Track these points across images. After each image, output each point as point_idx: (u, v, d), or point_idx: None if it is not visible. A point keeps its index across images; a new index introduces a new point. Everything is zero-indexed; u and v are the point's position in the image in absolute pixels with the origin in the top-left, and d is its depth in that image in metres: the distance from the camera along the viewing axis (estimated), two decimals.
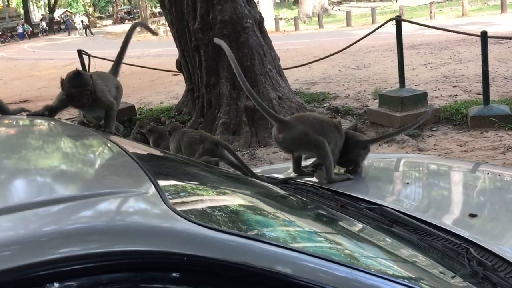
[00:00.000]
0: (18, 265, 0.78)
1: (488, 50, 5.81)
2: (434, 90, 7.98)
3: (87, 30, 43.21)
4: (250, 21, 6.70)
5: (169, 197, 1.08)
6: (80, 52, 8.29)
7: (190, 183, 1.45)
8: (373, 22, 21.78)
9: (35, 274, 0.79)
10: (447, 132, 5.89)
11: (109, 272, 0.84)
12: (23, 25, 47.56)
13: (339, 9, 34.34)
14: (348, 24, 23.29)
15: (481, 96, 6.31)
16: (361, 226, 1.61)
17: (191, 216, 1.01)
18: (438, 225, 1.75)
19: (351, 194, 2.11)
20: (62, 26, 54.69)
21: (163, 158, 1.77)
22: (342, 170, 2.53)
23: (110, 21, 62.00)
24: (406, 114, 6.12)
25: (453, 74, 9.20)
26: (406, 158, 3.00)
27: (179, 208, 1.02)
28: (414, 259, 1.40)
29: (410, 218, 1.77)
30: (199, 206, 1.20)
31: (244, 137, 6.32)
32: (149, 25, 37.69)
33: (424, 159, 3.23)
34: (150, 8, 53.21)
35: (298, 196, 1.84)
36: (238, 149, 5.94)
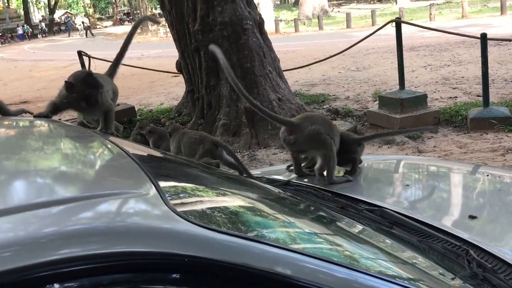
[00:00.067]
0: (18, 266, 0.78)
1: (488, 52, 5.82)
2: (434, 92, 7.98)
3: (88, 31, 43.24)
4: (250, 23, 6.71)
5: (170, 198, 1.08)
6: (80, 53, 8.30)
7: (191, 184, 1.45)
8: (373, 24, 21.81)
9: (35, 275, 0.79)
10: (446, 134, 5.89)
11: (109, 273, 0.84)
12: (23, 26, 47.60)
13: (339, 11, 34.37)
14: (348, 26, 23.32)
15: (480, 98, 6.32)
16: (361, 227, 1.61)
17: (191, 217, 1.02)
18: (438, 226, 1.76)
19: (351, 195, 2.12)
20: (62, 27, 54.74)
21: (163, 159, 1.77)
22: (342, 172, 2.53)
23: (110, 22, 62.06)
24: (406, 116, 6.12)
25: (453, 76, 9.21)
26: (405, 160, 3.01)
27: (179, 209, 1.02)
28: (414, 261, 1.40)
29: (410, 220, 1.78)
30: (199, 207, 1.20)
31: (244, 138, 6.32)
32: (149, 26, 37.82)
33: (423, 161, 3.24)
34: (150, 9, 53.24)
35: (298, 198, 1.84)
36: (238, 151, 5.94)
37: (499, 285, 1.34)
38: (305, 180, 2.50)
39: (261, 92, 6.56)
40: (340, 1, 46.96)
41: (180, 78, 8.59)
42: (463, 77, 8.99)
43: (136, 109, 8.39)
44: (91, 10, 62.25)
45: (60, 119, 2.19)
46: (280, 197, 1.74)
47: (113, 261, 0.84)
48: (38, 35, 47.91)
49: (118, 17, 62.02)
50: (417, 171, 2.58)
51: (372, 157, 3.39)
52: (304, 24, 26.53)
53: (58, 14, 61.07)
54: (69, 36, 45.38)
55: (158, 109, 8.78)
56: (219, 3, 6.58)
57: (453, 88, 8.22)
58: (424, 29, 7.83)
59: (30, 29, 48.10)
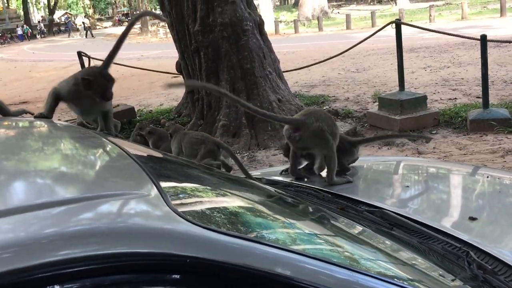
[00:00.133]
0: (19, 267, 0.78)
1: (488, 53, 5.82)
2: (434, 93, 7.99)
3: (88, 32, 43.24)
4: (250, 24, 6.72)
5: (171, 199, 1.08)
6: (80, 54, 8.30)
7: (192, 185, 1.45)
8: (372, 25, 21.81)
9: (36, 276, 0.79)
10: (446, 136, 5.89)
11: (110, 274, 0.84)
12: (22, 26, 47.60)
13: (338, 12, 34.38)
14: (348, 27, 23.33)
15: (480, 100, 6.32)
16: (361, 228, 1.62)
17: (193, 218, 1.02)
18: (438, 228, 1.76)
19: (351, 196, 2.12)
20: (62, 28, 54.74)
21: (164, 160, 1.77)
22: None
23: (110, 23, 62.09)
24: (406, 117, 6.13)
25: (452, 78, 9.22)
26: (405, 161, 3.01)
27: (181, 210, 1.02)
28: (414, 262, 1.41)
29: (410, 221, 1.78)
30: (201, 208, 1.20)
31: (243, 139, 6.33)
32: (149, 27, 37.87)
33: (423, 162, 3.24)
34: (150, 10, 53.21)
35: (298, 199, 1.85)
36: (237, 152, 5.94)
37: (499, 287, 1.34)
38: (305, 180, 2.50)
39: (261, 93, 6.56)
40: (340, 2, 46.99)
41: (180, 79, 8.59)
42: (462, 79, 9.00)
43: (136, 110, 8.39)
44: (90, 11, 62.28)
45: (59, 119, 2.19)
46: (281, 198, 1.74)
47: (114, 262, 0.84)
48: (37, 36, 47.90)
49: (117, 18, 62.03)
50: (417, 172, 2.58)
51: (372, 158, 3.40)
52: (304, 25, 26.55)
53: (58, 15, 61.07)
54: (68, 36, 45.37)
55: (158, 110, 8.78)
56: (219, 4, 6.58)
57: (453, 90, 8.22)
58: (424, 31, 7.83)
59: (30, 30, 48.09)
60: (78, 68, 8.27)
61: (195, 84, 2.21)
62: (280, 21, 28.40)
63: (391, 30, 6.76)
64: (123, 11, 66.03)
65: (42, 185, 1.16)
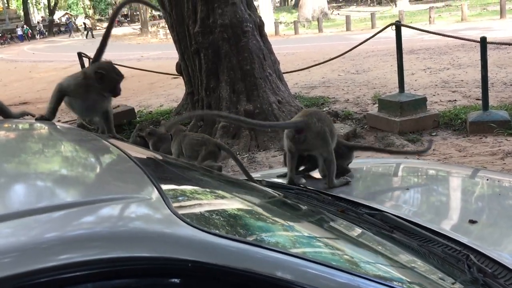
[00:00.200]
0: (20, 272, 0.78)
1: (487, 55, 5.83)
2: (433, 95, 7.99)
3: (89, 33, 43.27)
4: (250, 25, 6.72)
5: (173, 202, 1.08)
6: (80, 55, 8.31)
7: (194, 189, 1.45)
8: (372, 27, 21.83)
9: (37, 281, 0.79)
10: (446, 137, 5.89)
11: (112, 278, 0.84)
12: (22, 27, 47.58)
13: (338, 13, 34.40)
14: (348, 29, 23.34)
15: (480, 102, 6.33)
16: (362, 231, 1.62)
17: (194, 221, 1.01)
18: (438, 231, 1.76)
19: (352, 199, 2.12)
20: (62, 28, 54.72)
21: (166, 163, 1.77)
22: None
23: None
24: (405, 119, 6.13)
25: (452, 79, 9.22)
26: (405, 164, 3.01)
27: (182, 214, 1.02)
28: (414, 265, 1.41)
29: (411, 224, 1.78)
30: (202, 211, 1.20)
31: (243, 140, 6.33)
32: (149, 28, 37.86)
33: (423, 164, 3.24)
34: (150, 11, 53.25)
35: (299, 201, 1.85)
36: (237, 153, 5.94)
37: None
38: (304, 181, 2.50)
39: (261, 95, 6.56)
40: (340, 4, 47.02)
41: (180, 80, 8.60)
42: (462, 81, 9.00)
43: (136, 111, 8.39)
44: (91, 12, 62.29)
45: (59, 120, 2.19)
46: (282, 201, 1.74)
47: (115, 266, 0.84)
48: (36, 36, 47.87)
49: (116, 19, 61.91)
50: (417, 174, 2.58)
51: (372, 161, 3.40)
52: (304, 27, 26.56)
53: (58, 15, 61.07)
54: (69, 36, 45.37)
55: (158, 111, 8.78)
56: (220, 5, 6.59)
57: (453, 92, 8.23)
58: (423, 32, 7.83)
59: (30, 30, 48.09)
60: (78, 68, 8.27)
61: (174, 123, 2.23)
62: (280, 22, 28.42)
63: (391, 32, 6.77)
64: (122, 12, 66.00)
65: (43, 189, 1.16)
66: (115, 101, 2.40)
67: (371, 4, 41.66)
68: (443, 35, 7.15)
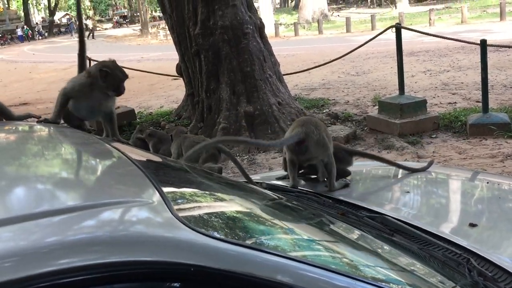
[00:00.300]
0: (20, 277, 0.78)
1: (487, 58, 5.83)
2: (433, 97, 8.00)
3: (91, 33, 43.32)
4: (251, 27, 6.73)
5: (175, 206, 1.08)
6: None
7: (196, 192, 1.45)
8: (372, 29, 21.86)
9: (36, 286, 0.79)
10: (446, 140, 5.90)
11: (113, 282, 0.84)
12: (22, 27, 47.59)
13: (338, 15, 34.44)
14: (348, 30, 23.36)
15: (480, 104, 6.33)
16: (362, 234, 1.62)
17: (196, 225, 1.02)
18: (439, 234, 1.76)
19: (352, 202, 2.12)
20: (62, 29, 54.78)
21: (168, 166, 1.77)
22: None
23: (110, 25, 62.21)
24: (405, 121, 6.13)
25: (452, 82, 9.23)
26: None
27: (184, 218, 1.02)
28: (414, 269, 1.41)
29: (411, 227, 1.78)
30: (204, 215, 1.20)
31: None
32: (149, 29, 37.87)
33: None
34: (150, 12, 53.32)
35: (299, 204, 1.85)
36: (237, 155, 5.94)
37: None
38: (303, 183, 2.51)
39: (261, 96, 6.57)
40: (340, 5, 47.08)
41: (180, 81, 8.60)
42: (462, 83, 9.01)
43: (136, 112, 8.39)
44: (91, 12, 62.34)
45: (62, 122, 2.18)
46: (282, 204, 1.74)
47: (117, 270, 0.84)
48: (35, 37, 47.86)
49: (115, 20, 62.14)
50: (417, 177, 2.58)
51: (371, 163, 3.40)
52: (304, 28, 26.58)
53: (58, 16, 61.13)
54: (72, 36, 45.39)
55: (158, 112, 8.78)
56: (220, 7, 6.59)
57: (453, 94, 8.23)
58: (423, 34, 7.84)
59: (30, 31, 48.10)
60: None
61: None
62: (280, 24, 28.44)
63: (391, 34, 6.78)
64: (122, 13, 66.14)
65: (45, 193, 1.16)
66: (116, 102, 2.41)
67: (371, 6, 41.71)
68: (443, 38, 7.15)
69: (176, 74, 7.99)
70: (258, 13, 9.03)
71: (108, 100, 2.19)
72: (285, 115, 6.56)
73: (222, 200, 1.45)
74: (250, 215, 1.36)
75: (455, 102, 7.59)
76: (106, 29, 58.16)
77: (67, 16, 61.34)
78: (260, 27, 7.08)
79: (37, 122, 2.06)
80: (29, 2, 54.68)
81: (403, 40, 6.53)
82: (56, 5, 55.75)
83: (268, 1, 26.56)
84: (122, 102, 9.23)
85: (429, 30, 15.74)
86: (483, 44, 5.70)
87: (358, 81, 10.29)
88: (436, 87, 8.87)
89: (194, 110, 7.20)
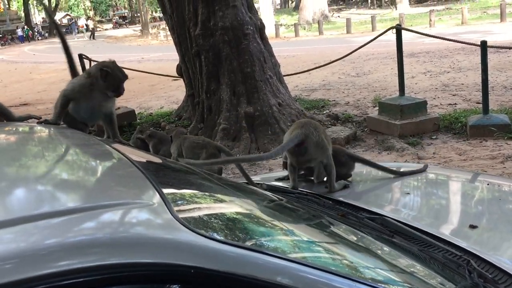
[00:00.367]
0: (20, 279, 0.78)
1: (488, 59, 5.83)
2: (434, 98, 8.00)
3: (93, 34, 43.41)
4: (251, 28, 6.73)
5: (175, 207, 1.08)
6: (81, 56, 8.32)
7: (196, 194, 1.45)
8: (373, 30, 21.86)
9: None
10: (446, 141, 5.90)
11: (113, 284, 0.84)
12: (23, 28, 47.61)
13: (339, 16, 34.46)
14: (348, 31, 23.38)
15: (480, 105, 6.33)
16: (362, 236, 1.62)
17: (197, 227, 1.02)
18: (439, 235, 1.76)
19: (352, 203, 2.12)
20: (63, 29, 54.78)
21: (168, 168, 1.77)
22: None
23: (110, 25, 62.27)
24: (406, 122, 6.13)
25: (452, 83, 9.23)
26: (405, 168, 3.01)
27: (185, 220, 1.02)
28: (414, 270, 1.41)
29: (411, 229, 1.78)
30: (205, 217, 1.20)
31: (243, 143, 6.33)
32: (149, 29, 37.91)
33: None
34: (150, 13, 53.35)
35: (300, 206, 1.85)
36: (237, 155, 5.94)
37: None
38: (303, 184, 2.51)
39: (261, 97, 6.57)
40: (340, 6, 47.11)
41: (181, 82, 8.60)
42: (462, 84, 9.01)
43: (136, 113, 8.40)
44: (91, 13, 62.39)
45: (63, 124, 2.18)
46: (282, 206, 1.74)
47: (117, 272, 0.84)
48: (34, 37, 47.86)
49: (114, 21, 62.22)
50: (417, 179, 2.58)
51: None
52: (304, 29, 26.60)
53: (59, 16, 61.17)
54: (75, 36, 45.44)
55: (158, 112, 8.79)
56: (221, 8, 6.60)
57: (453, 95, 8.24)
58: (424, 35, 7.84)
59: (31, 31, 48.12)
60: (79, 70, 8.27)
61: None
62: (281, 25, 28.45)
63: (391, 35, 6.78)
64: (121, 13, 66.20)
65: (45, 194, 1.16)
66: (116, 103, 2.41)
67: (372, 7, 41.75)
68: (444, 39, 7.14)
69: (177, 75, 7.99)
70: (259, 14, 9.04)
71: (108, 101, 2.19)
72: (285, 116, 6.56)
73: (222, 201, 1.45)
74: (250, 217, 1.36)
75: (456, 103, 7.60)
76: (106, 29, 58.20)
77: (68, 17, 61.40)
78: (261, 28, 7.08)
79: (38, 123, 2.06)
80: (29, 2, 54.69)
81: (403, 41, 6.53)
82: (56, 5, 55.79)
83: (269, 2, 26.57)
84: (122, 102, 9.24)
85: (430, 31, 15.75)
86: (484, 45, 5.70)
87: (359, 82, 10.29)
88: (437, 88, 8.87)
89: (194, 111, 7.20)
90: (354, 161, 2.61)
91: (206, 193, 1.51)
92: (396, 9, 32.34)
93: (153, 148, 4.75)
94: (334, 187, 2.36)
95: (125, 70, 2.25)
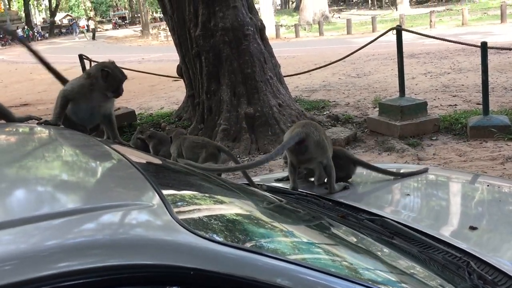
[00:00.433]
0: (20, 280, 0.78)
1: (488, 60, 5.83)
2: (434, 99, 8.00)
3: (94, 34, 43.45)
4: (251, 29, 6.73)
5: (175, 209, 1.08)
6: (81, 57, 8.33)
7: (196, 196, 1.45)
8: (373, 30, 21.87)
9: None
10: (446, 142, 5.90)
11: (112, 286, 0.84)
12: (23, 28, 47.60)
13: (339, 17, 34.45)
14: (349, 32, 23.38)
15: (480, 106, 6.33)
16: (362, 237, 1.62)
17: (196, 228, 1.02)
18: (439, 237, 1.76)
19: (352, 204, 2.12)
20: (63, 30, 54.92)
21: (168, 169, 1.77)
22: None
23: (110, 26, 62.29)
24: (406, 123, 6.13)
25: (453, 84, 9.23)
26: (405, 169, 3.01)
27: (185, 221, 1.02)
28: (414, 272, 1.41)
29: (411, 230, 1.78)
30: (205, 218, 1.20)
31: (244, 144, 6.33)
32: (150, 30, 37.94)
33: None
34: (151, 13, 53.35)
35: (300, 207, 1.85)
36: (238, 156, 5.93)
37: None
38: (303, 185, 2.51)
39: (261, 98, 6.57)
40: (341, 7, 47.12)
41: (181, 83, 8.61)
42: (463, 85, 9.01)
43: (136, 113, 8.40)
44: (92, 13, 62.41)
45: (61, 125, 2.19)
46: (282, 207, 1.74)
47: (117, 274, 0.84)
48: (34, 38, 47.85)
49: (113, 21, 62.26)
50: (417, 180, 2.58)
51: None
52: (305, 30, 26.60)
53: (59, 17, 61.22)
54: (76, 36, 45.46)
55: (159, 113, 8.79)
56: (221, 9, 6.60)
57: (453, 96, 8.24)
58: (424, 36, 7.85)
59: (31, 32, 48.12)
60: (79, 70, 8.29)
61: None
62: (281, 25, 28.45)
63: (391, 36, 6.78)
64: (120, 14, 66.24)
65: (44, 195, 1.16)
66: (115, 103, 2.42)
67: (372, 8, 41.75)
68: (444, 40, 7.15)
69: (177, 76, 7.99)
70: (259, 15, 9.04)
71: (107, 102, 2.20)
72: (285, 117, 6.56)
73: (222, 202, 1.45)
74: (250, 218, 1.36)
75: (456, 104, 7.60)
76: (107, 30, 58.21)
77: (68, 17, 61.44)
78: (261, 29, 7.08)
79: (38, 124, 2.06)
80: (30, 3, 54.74)
81: (403, 42, 6.53)
82: (57, 6, 55.83)
83: (269, 2, 26.57)
84: (122, 103, 9.24)
85: (430, 32, 15.74)
86: (484, 46, 5.70)
87: (359, 83, 10.29)
88: (437, 89, 8.87)
89: (194, 112, 7.20)
90: (355, 164, 2.61)
91: (206, 195, 1.51)
92: (396, 10, 32.34)
93: (153, 148, 4.76)
94: (334, 188, 2.36)
95: (125, 70, 2.26)
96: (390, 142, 5.93)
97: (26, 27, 48.71)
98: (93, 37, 42.68)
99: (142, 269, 0.86)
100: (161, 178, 1.47)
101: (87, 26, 47.44)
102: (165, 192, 1.16)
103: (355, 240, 1.60)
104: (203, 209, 1.30)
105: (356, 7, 45.24)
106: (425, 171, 2.53)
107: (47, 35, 50.79)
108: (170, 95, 11.07)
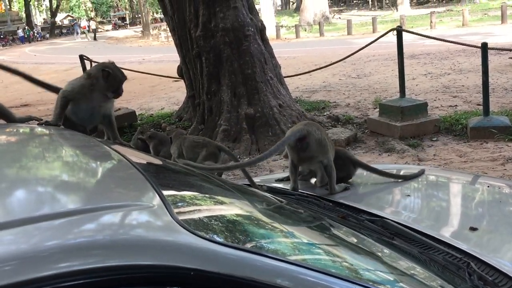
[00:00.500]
0: (20, 280, 0.78)
1: (488, 61, 5.83)
2: (434, 100, 8.00)
3: (95, 34, 43.51)
4: (252, 29, 6.74)
5: (175, 209, 1.08)
6: (82, 57, 8.34)
7: (196, 196, 1.45)
8: (373, 31, 21.87)
9: None
10: (447, 143, 5.90)
11: (112, 287, 0.84)
12: (24, 28, 47.65)
13: (340, 17, 34.46)
14: (349, 33, 23.38)
15: (481, 107, 6.33)
16: (363, 238, 1.62)
17: (197, 229, 1.02)
18: (439, 238, 1.76)
19: (352, 205, 2.12)
20: (64, 30, 54.99)
21: (169, 170, 1.77)
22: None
23: (111, 26, 62.34)
24: (406, 124, 6.13)
25: (453, 85, 9.23)
26: (405, 170, 3.01)
27: (185, 222, 1.02)
28: (414, 273, 1.40)
29: (411, 231, 1.78)
30: (205, 219, 1.20)
31: (244, 144, 6.33)
32: (150, 30, 37.98)
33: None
34: (151, 14, 53.40)
35: (300, 208, 1.85)
36: (238, 157, 5.94)
37: None
38: (304, 186, 2.51)
39: (262, 98, 6.57)
40: (341, 8, 47.15)
41: (181, 83, 8.61)
42: (463, 86, 9.01)
43: (137, 114, 8.40)
44: (92, 14, 62.46)
45: (62, 126, 2.19)
46: (283, 208, 1.74)
47: (117, 274, 0.84)
48: (35, 38, 47.89)
49: (113, 22, 62.31)
50: (418, 181, 2.57)
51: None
52: (305, 30, 26.60)
53: (60, 17, 61.26)
54: (78, 36, 45.49)
55: (159, 114, 8.79)
56: (221, 9, 6.60)
57: (454, 97, 8.23)
58: (425, 37, 7.85)
59: (32, 32, 48.16)
60: (79, 70, 8.30)
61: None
62: (282, 26, 28.46)
63: (392, 36, 6.78)
64: (120, 15, 66.30)
65: (45, 196, 1.16)
66: (116, 104, 2.43)
67: (372, 9, 41.77)
68: (444, 40, 7.15)
69: (177, 76, 8.00)
70: (259, 15, 9.04)
71: (107, 102, 2.20)
72: (286, 118, 6.56)
73: (222, 203, 1.45)
74: (250, 219, 1.36)
75: (456, 105, 7.59)
76: (107, 30, 58.25)
77: (69, 18, 61.49)
78: (261, 29, 7.08)
79: (38, 124, 2.06)
80: (30, 3, 54.78)
81: (404, 43, 6.53)
82: (57, 6, 55.88)
83: (270, 3, 26.58)
84: (123, 103, 9.25)
85: (430, 33, 15.73)
86: (484, 47, 5.70)
87: (359, 83, 10.29)
88: (437, 90, 8.87)
89: (195, 112, 7.20)
90: (355, 165, 2.61)
91: (206, 195, 1.51)
92: (397, 11, 32.34)
93: (154, 149, 4.76)
94: (334, 189, 2.36)
95: (125, 71, 2.27)
96: (390, 143, 5.93)
97: (26, 27, 48.75)
98: (95, 38, 42.73)
99: (142, 269, 0.86)
100: (161, 179, 1.47)
101: (88, 27, 47.48)
102: (165, 192, 1.16)
103: (355, 240, 1.60)
104: (203, 210, 1.30)
105: (356, 8, 45.27)
106: (421, 173, 2.53)
107: (47, 35, 50.81)
108: (171, 96, 11.07)
